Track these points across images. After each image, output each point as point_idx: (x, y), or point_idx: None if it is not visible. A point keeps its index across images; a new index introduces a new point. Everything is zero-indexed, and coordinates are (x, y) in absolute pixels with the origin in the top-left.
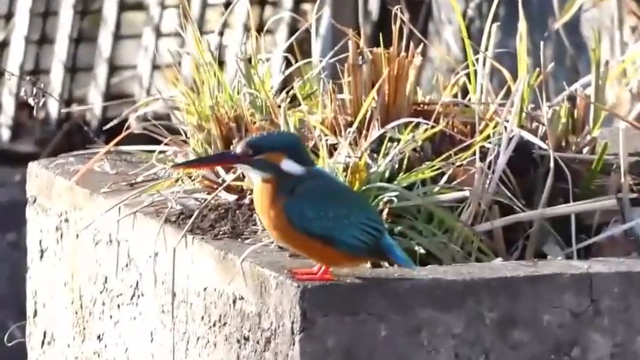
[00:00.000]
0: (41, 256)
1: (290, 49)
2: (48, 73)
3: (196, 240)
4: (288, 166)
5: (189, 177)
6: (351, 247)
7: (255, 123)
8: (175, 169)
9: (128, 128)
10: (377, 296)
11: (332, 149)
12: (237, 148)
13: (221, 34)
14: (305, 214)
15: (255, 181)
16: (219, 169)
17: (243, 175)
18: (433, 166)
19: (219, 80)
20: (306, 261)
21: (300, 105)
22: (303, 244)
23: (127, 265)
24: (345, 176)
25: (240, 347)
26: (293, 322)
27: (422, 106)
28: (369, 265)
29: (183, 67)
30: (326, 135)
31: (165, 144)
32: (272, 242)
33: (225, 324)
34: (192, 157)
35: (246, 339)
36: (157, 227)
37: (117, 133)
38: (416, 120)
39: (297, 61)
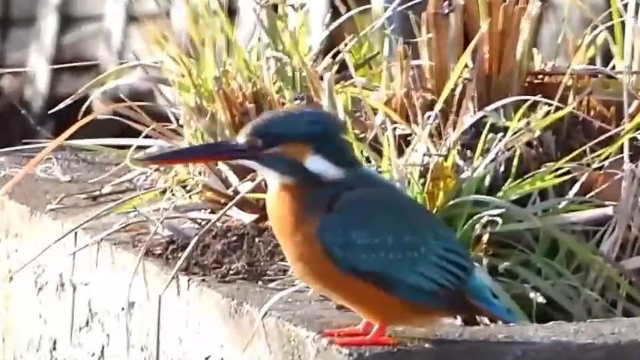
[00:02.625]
0: None
1: None
2: None
3: (194, 283)
4: (317, 164)
5: (183, 186)
6: (420, 294)
7: (284, 104)
8: (145, 164)
9: (89, 112)
10: None
11: (402, 143)
12: (241, 135)
13: None
14: (350, 242)
15: (270, 184)
16: (230, 173)
17: (266, 184)
18: (558, 170)
19: (229, 38)
20: (357, 315)
21: (353, 77)
22: (347, 287)
23: (87, 322)
24: (423, 185)
25: None
26: None
27: (541, 77)
28: (454, 320)
29: (174, 19)
30: (393, 122)
31: (147, 136)
32: (308, 286)
33: None
34: None
35: None
36: (134, 264)
37: (71, 119)
38: (532, 98)
39: (348, 10)
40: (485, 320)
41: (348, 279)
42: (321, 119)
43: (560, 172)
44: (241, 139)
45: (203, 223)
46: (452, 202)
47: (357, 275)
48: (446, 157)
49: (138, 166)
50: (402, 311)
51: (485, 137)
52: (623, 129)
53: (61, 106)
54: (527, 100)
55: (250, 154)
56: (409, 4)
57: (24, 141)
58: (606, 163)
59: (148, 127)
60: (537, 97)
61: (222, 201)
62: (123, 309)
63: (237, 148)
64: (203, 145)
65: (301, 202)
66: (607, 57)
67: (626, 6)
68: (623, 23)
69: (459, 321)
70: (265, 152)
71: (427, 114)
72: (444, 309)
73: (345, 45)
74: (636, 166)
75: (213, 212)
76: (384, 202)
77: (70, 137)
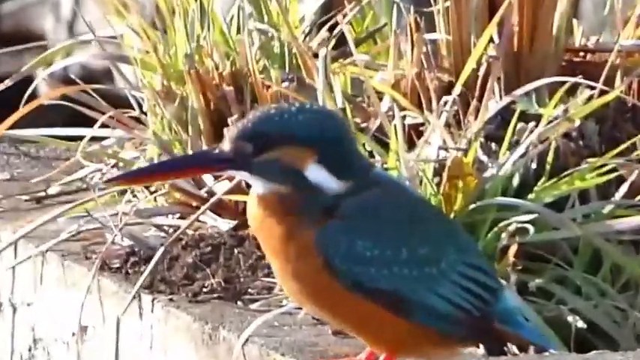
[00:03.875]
0: None
1: None
2: None
3: (160, 303)
4: (318, 175)
5: (146, 186)
6: (438, 319)
7: (269, 87)
8: (110, 185)
9: (34, 97)
10: None
11: (413, 134)
12: (227, 141)
13: None
14: (356, 253)
15: (254, 189)
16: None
17: (247, 183)
18: (602, 167)
19: (204, 7)
20: (358, 343)
21: (353, 54)
22: (349, 307)
23: (29, 350)
24: (438, 185)
25: None
26: None
27: (582, 54)
28: (476, 350)
29: None
30: (402, 108)
31: (103, 125)
32: (300, 307)
33: None
34: (150, 150)
35: None
36: (87, 280)
37: (11, 105)
38: (571, 80)
39: None
40: (514, 349)
41: (352, 297)
42: (327, 120)
43: (604, 169)
44: (226, 145)
45: (170, 230)
46: (473, 206)
47: (363, 293)
48: (466, 152)
49: (106, 185)
50: (415, 339)
51: (514, 127)
52: None
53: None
54: (565, 83)
55: (239, 163)
56: None
57: None
58: None
59: (104, 114)
60: (577, 79)
61: (194, 204)
62: (73, 334)
63: (222, 157)
64: (180, 158)
65: (293, 208)
66: None
67: None
68: None
69: (481, 350)
70: (258, 159)
71: (443, 99)
72: (465, 337)
73: (345, 15)
74: None
75: (182, 218)
76: (396, 206)
77: (11, 127)
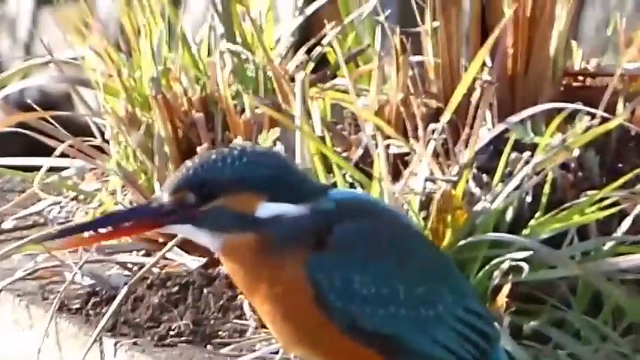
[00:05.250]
0: None
1: None
2: None
3: (123, 347)
4: (272, 209)
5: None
6: None
7: (242, 112)
8: (47, 248)
9: None
10: None
11: (399, 164)
12: (165, 193)
13: None
14: (351, 289)
15: (210, 247)
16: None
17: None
18: (603, 200)
19: (172, 27)
20: None
21: (334, 77)
22: (345, 352)
23: None
24: (426, 219)
25: None
26: None
27: (581, 79)
28: None
29: (99, 1)
30: (387, 137)
31: (62, 154)
32: (276, 351)
33: None
34: (113, 182)
35: None
36: (44, 322)
37: None
38: (569, 106)
39: None
40: None
41: (346, 340)
42: (270, 159)
43: (605, 203)
44: (165, 197)
45: (135, 268)
46: (463, 242)
47: (359, 336)
48: (455, 184)
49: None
50: None
51: (508, 157)
52: None
53: None
54: (563, 109)
55: (182, 216)
56: None
57: None
58: None
59: (63, 142)
60: (577, 105)
61: (161, 240)
62: None
63: (162, 210)
64: (112, 215)
65: (268, 247)
66: None
67: None
68: None
69: None
70: (203, 209)
71: (431, 126)
72: None
73: (324, 36)
74: None
75: (148, 255)
76: (391, 236)
77: None
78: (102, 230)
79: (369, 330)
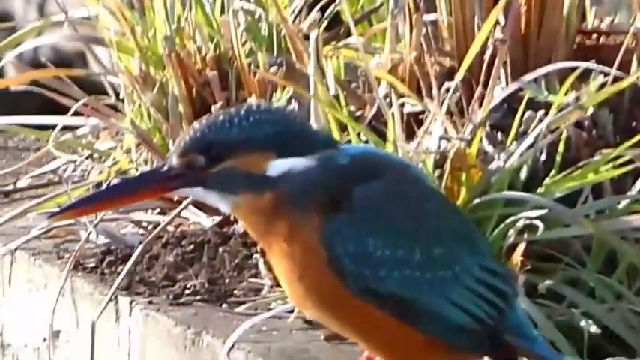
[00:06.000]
0: None
1: None
2: None
3: (138, 306)
4: (281, 166)
5: (122, 173)
6: (449, 328)
7: (255, 72)
8: (55, 220)
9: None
10: None
11: (413, 123)
12: (174, 156)
13: None
14: (365, 252)
15: (223, 209)
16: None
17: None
18: (617, 158)
19: None
20: (352, 349)
21: (349, 35)
22: (358, 314)
23: None
24: (440, 178)
25: None
26: None
27: (595, 37)
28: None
29: None
30: (401, 95)
31: (77, 113)
32: (291, 310)
33: None
34: (127, 140)
35: None
36: (59, 281)
37: None
38: (583, 65)
39: None
40: None
41: (360, 302)
42: (277, 116)
43: (619, 161)
44: (174, 160)
45: (150, 227)
46: (477, 201)
47: (372, 298)
48: (469, 142)
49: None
50: (422, 349)
51: (522, 116)
52: None
53: None
54: (576, 68)
55: (191, 179)
56: None
57: None
58: None
59: (77, 101)
60: (590, 64)
61: (175, 198)
62: (45, 340)
63: (170, 174)
64: (123, 183)
65: (281, 206)
66: None
67: None
68: None
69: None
70: (213, 171)
71: (445, 85)
72: (475, 349)
73: None
74: None
75: (163, 213)
76: (409, 198)
77: None
78: (113, 199)
79: (383, 293)
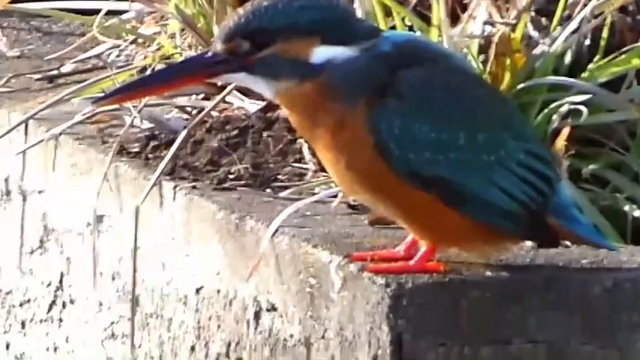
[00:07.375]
0: None
1: None
2: None
3: (182, 191)
4: (326, 54)
5: (166, 58)
6: (493, 212)
7: None
8: (99, 106)
9: None
10: (550, 306)
11: (457, 8)
12: (218, 42)
13: None
14: (411, 136)
15: (267, 95)
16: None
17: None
18: None
19: None
20: (396, 234)
21: None
22: (404, 197)
23: (41, 242)
24: (484, 63)
25: None
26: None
27: None
28: (527, 244)
29: None
30: None
31: None
32: (335, 194)
33: None
34: (172, 25)
35: None
36: (103, 166)
37: None
38: None
39: None
40: (566, 244)
41: (405, 186)
42: (321, 2)
43: None
44: (218, 46)
45: (194, 112)
46: (522, 86)
47: (417, 181)
48: (514, 27)
49: (94, 105)
50: (465, 232)
51: (566, 0)
52: None
53: None
54: None
55: (236, 64)
56: None
57: None
58: None
59: None
60: None
61: (220, 84)
62: (88, 225)
63: (215, 59)
64: (167, 68)
65: (326, 94)
66: None
67: None
68: None
69: (529, 242)
70: (258, 56)
71: None
72: (517, 233)
73: None
74: None
75: (207, 98)
76: (453, 84)
77: None
78: (157, 85)
79: (428, 176)
